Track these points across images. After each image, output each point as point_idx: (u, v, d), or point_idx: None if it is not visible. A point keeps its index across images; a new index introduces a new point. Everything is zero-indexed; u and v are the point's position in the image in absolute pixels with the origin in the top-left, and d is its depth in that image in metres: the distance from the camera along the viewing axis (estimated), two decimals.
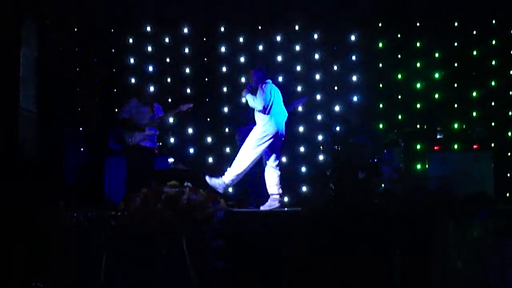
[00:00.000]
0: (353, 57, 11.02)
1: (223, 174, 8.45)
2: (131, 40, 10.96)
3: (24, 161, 8.25)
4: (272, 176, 8.48)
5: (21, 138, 8.52)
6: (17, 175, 7.40)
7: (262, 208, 8.39)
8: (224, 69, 11.08)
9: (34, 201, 6.45)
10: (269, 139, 8.35)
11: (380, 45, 11.06)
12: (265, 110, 8.32)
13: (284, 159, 10.01)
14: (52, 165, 9.59)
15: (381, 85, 11.10)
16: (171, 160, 10.21)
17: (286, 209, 8.36)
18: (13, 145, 8.28)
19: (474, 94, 10.85)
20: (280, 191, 8.46)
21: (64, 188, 9.56)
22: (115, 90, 10.89)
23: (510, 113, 10.76)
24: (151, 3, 10.27)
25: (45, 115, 9.50)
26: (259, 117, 8.43)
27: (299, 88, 10.94)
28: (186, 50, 11.05)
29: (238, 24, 10.96)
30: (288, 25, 10.96)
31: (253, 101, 8.38)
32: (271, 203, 8.37)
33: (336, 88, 11.06)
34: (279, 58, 11.04)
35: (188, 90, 10.93)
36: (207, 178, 8.39)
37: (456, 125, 10.52)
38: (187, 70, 11.03)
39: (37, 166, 8.68)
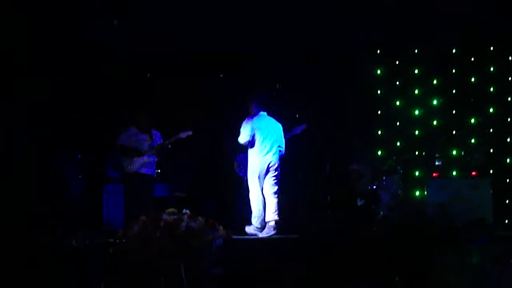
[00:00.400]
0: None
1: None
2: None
3: (21, 187, 8.24)
4: (269, 204, 8.49)
5: (17, 163, 8.53)
6: (15, 201, 7.40)
7: (260, 235, 8.37)
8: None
9: (32, 228, 6.45)
10: (260, 172, 8.41)
11: (379, 72, 11.09)
12: (249, 144, 8.38)
13: (282, 186, 9.99)
14: (50, 191, 9.56)
15: (379, 112, 11.12)
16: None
17: (284, 236, 8.33)
18: (9, 170, 8.29)
19: (473, 120, 10.80)
20: (277, 217, 8.44)
21: (62, 215, 9.52)
22: (113, 117, 10.88)
23: (508, 140, 10.74)
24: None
25: (43, 139, 9.50)
26: (248, 151, 8.51)
27: (297, 115, 10.93)
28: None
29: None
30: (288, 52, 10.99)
31: (239, 136, 8.46)
32: (268, 230, 8.35)
33: (335, 114, 11.05)
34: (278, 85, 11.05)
35: (187, 117, 10.92)
36: (246, 228, 8.52)
37: (454, 152, 10.50)
38: (188, 97, 11.05)
39: (34, 192, 8.67)
